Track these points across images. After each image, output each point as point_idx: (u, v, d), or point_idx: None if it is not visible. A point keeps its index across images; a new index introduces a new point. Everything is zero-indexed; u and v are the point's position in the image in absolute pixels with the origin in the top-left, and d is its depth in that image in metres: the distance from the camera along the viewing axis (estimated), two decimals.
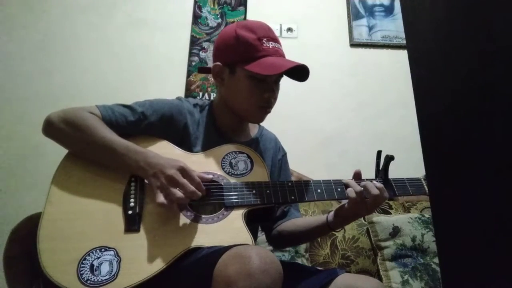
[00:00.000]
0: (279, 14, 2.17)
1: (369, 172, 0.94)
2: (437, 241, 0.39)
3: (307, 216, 1.54)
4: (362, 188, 0.83)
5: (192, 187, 0.75)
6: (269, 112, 0.96)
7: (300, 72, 0.92)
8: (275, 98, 0.95)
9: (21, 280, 0.81)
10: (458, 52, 0.35)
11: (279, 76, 0.94)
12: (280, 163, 1.09)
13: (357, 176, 0.90)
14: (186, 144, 0.92)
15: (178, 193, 0.74)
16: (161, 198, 0.74)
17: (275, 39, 0.93)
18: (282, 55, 0.93)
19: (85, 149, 0.82)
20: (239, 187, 0.85)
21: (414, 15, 0.41)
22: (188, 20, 2.12)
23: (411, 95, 0.41)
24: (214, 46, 0.99)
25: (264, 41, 0.90)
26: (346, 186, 0.87)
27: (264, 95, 0.92)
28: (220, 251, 0.65)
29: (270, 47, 0.91)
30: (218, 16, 2.15)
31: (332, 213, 0.93)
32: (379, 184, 0.84)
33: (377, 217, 1.58)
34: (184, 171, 0.77)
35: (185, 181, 0.75)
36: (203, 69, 1.09)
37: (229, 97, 0.96)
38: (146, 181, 0.82)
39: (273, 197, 0.85)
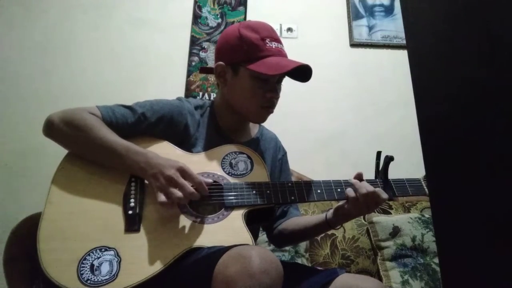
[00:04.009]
0: (279, 14, 2.17)
1: (369, 172, 0.94)
2: (437, 241, 0.39)
3: (307, 215, 1.54)
4: (366, 191, 0.83)
5: (191, 188, 0.75)
6: (271, 112, 0.96)
7: (302, 73, 0.92)
8: (277, 98, 0.95)
9: (21, 280, 0.81)
10: (458, 53, 0.35)
11: (282, 76, 0.95)
12: (281, 162, 1.09)
13: (358, 178, 0.90)
14: (186, 144, 0.92)
15: (177, 193, 0.74)
16: (162, 197, 0.74)
17: (277, 40, 0.94)
18: (285, 55, 0.94)
19: (85, 149, 0.82)
20: (239, 187, 0.85)
21: (414, 15, 0.41)
22: (188, 20, 2.12)
23: (411, 95, 0.41)
24: (216, 46, 0.98)
25: (267, 41, 0.90)
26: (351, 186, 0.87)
27: (267, 95, 0.92)
28: (220, 251, 0.65)
29: (273, 47, 0.91)
30: (218, 16, 2.15)
31: (331, 211, 0.93)
32: (378, 189, 0.85)
33: (377, 217, 1.58)
34: (183, 172, 0.77)
35: (184, 181, 0.75)
36: (204, 69, 1.09)
37: (231, 97, 0.96)
38: (146, 181, 0.82)
39: (273, 197, 0.85)
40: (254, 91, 0.91)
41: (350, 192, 0.85)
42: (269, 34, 0.92)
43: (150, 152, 0.81)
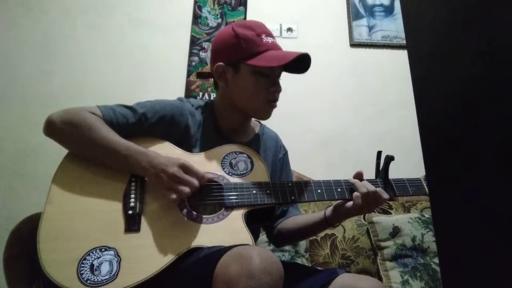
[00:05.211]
0: (279, 14, 2.17)
1: (369, 172, 0.94)
2: (437, 241, 0.39)
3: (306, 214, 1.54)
4: (367, 191, 0.84)
5: (195, 182, 0.76)
6: (275, 106, 0.97)
7: (301, 64, 0.93)
8: (279, 92, 0.96)
9: (21, 280, 0.81)
10: (458, 52, 0.35)
11: (280, 71, 0.96)
12: (281, 162, 1.09)
13: (358, 178, 0.90)
14: (186, 144, 0.92)
15: (185, 189, 0.75)
16: (173, 196, 0.75)
17: (271, 35, 0.96)
18: (280, 48, 0.96)
19: (86, 149, 0.82)
20: (239, 187, 0.85)
21: (414, 15, 0.41)
22: (188, 20, 2.12)
23: (411, 95, 0.41)
24: (212, 49, 0.99)
25: (263, 37, 0.92)
26: (352, 189, 0.87)
27: (270, 89, 0.93)
28: (220, 251, 0.65)
29: (270, 42, 0.93)
30: (218, 16, 2.15)
31: (330, 209, 0.94)
32: (379, 189, 0.85)
33: (377, 217, 1.58)
34: (185, 168, 0.77)
35: (188, 177, 0.76)
36: (202, 74, 1.09)
37: (235, 96, 0.96)
38: (147, 180, 0.82)
39: (273, 197, 0.85)
40: (257, 87, 0.92)
41: (357, 198, 0.85)
42: (263, 30, 0.94)
43: (150, 151, 0.81)
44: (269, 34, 0.95)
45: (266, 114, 0.98)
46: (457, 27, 0.35)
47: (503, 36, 0.30)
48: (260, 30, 0.93)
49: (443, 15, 0.37)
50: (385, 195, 0.85)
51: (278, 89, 0.95)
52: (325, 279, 0.82)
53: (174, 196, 0.75)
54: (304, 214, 1.09)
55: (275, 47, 0.94)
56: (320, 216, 0.96)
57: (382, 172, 0.92)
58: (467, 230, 0.35)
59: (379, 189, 0.85)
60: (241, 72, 0.92)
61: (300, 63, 0.92)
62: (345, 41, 2.17)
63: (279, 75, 0.97)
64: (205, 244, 0.73)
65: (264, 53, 0.90)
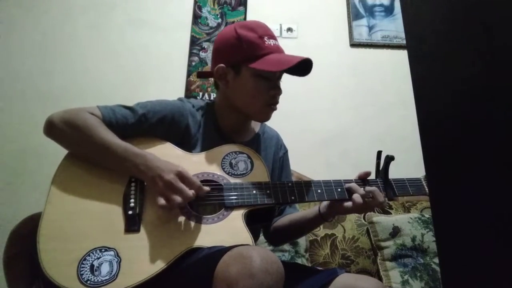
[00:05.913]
0: (279, 14, 2.17)
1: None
2: (437, 241, 0.39)
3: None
4: (364, 192, 0.85)
5: (189, 193, 0.75)
6: (275, 109, 0.96)
7: (303, 67, 0.93)
8: (279, 95, 0.96)
9: (21, 280, 0.81)
10: (458, 52, 0.35)
11: (281, 73, 0.95)
12: (282, 161, 1.09)
13: (364, 177, 0.91)
14: (187, 145, 0.92)
15: (177, 199, 0.74)
16: (161, 201, 0.75)
17: (274, 37, 0.95)
18: (283, 51, 0.95)
19: (85, 150, 0.82)
20: (239, 187, 0.85)
21: (414, 15, 0.41)
22: (188, 20, 2.12)
23: (411, 95, 0.41)
24: (213, 49, 0.98)
25: (265, 39, 0.91)
26: (349, 190, 0.88)
27: (271, 92, 0.93)
28: (221, 251, 0.65)
29: (272, 44, 0.92)
30: (218, 16, 2.15)
31: (325, 204, 0.94)
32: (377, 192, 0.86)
33: (377, 217, 1.58)
34: (182, 176, 0.76)
35: (183, 186, 0.75)
36: (202, 74, 1.08)
37: (235, 97, 0.96)
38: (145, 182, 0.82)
39: (273, 197, 0.85)
40: (257, 90, 0.92)
41: (357, 198, 0.85)
42: (266, 32, 0.93)
43: (149, 154, 0.81)
44: (271, 36, 0.94)
45: (265, 116, 0.97)
46: (457, 27, 0.35)
47: (503, 36, 0.30)
48: (262, 32, 0.92)
49: (443, 15, 0.37)
50: (381, 198, 0.85)
51: (278, 92, 0.94)
52: (325, 279, 0.82)
53: (162, 201, 0.74)
54: (298, 212, 1.09)
55: (277, 50, 0.93)
56: (315, 211, 0.97)
57: (382, 172, 0.92)
58: (467, 230, 0.35)
59: (377, 192, 0.85)
60: (242, 75, 0.92)
61: (302, 66, 0.91)
62: (345, 41, 2.17)
63: (279, 78, 0.96)
64: (205, 244, 0.73)
65: (265, 56, 0.89)
